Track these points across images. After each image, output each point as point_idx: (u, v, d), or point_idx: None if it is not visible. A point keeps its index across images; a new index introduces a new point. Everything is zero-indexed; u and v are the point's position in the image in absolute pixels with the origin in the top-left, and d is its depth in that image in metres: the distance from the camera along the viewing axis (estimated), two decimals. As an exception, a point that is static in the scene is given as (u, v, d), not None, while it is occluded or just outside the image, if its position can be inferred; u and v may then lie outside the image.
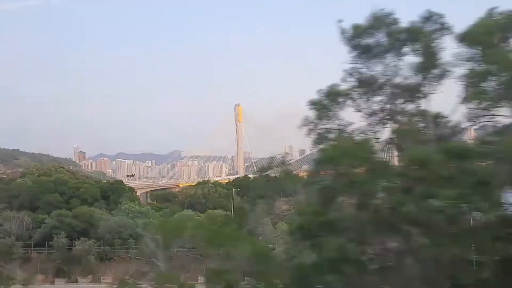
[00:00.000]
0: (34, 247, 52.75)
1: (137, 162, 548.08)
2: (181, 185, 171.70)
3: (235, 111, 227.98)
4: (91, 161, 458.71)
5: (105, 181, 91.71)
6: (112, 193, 75.89)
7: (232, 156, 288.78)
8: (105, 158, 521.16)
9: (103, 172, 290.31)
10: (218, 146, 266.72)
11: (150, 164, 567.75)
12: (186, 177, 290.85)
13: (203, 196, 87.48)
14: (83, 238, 49.78)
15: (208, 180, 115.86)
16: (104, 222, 53.34)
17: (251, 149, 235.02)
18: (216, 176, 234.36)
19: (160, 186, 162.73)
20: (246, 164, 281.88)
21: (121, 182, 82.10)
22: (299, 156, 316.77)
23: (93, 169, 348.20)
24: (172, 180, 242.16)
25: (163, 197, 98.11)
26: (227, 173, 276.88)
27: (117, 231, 51.96)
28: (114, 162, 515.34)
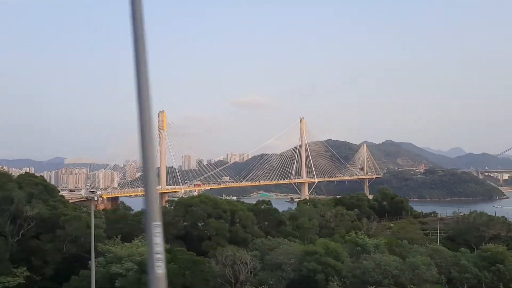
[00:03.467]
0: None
1: (12, 168, 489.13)
2: (105, 197, 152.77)
3: (158, 117, 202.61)
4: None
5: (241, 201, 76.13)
6: (263, 216, 62.07)
7: (124, 165, 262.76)
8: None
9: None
10: (108, 153, 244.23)
11: (28, 171, 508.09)
12: (73, 186, 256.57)
13: (332, 220, 76.03)
14: (371, 286, 37.20)
15: (313, 198, 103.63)
16: (378, 259, 41.07)
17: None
18: (106, 185, 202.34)
19: (82, 198, 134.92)
20: (139, 174, 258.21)
21: (268, 202, 68.31)
22: (196, 166, 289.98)
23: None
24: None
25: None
26: (118, 182, 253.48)
27: (393, 274, 40.02)
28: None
